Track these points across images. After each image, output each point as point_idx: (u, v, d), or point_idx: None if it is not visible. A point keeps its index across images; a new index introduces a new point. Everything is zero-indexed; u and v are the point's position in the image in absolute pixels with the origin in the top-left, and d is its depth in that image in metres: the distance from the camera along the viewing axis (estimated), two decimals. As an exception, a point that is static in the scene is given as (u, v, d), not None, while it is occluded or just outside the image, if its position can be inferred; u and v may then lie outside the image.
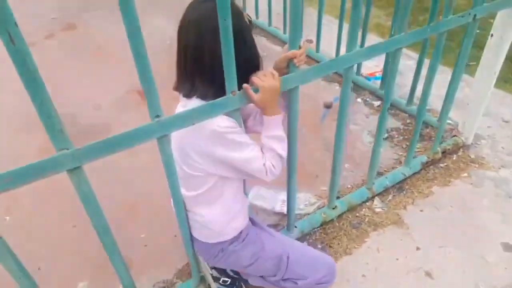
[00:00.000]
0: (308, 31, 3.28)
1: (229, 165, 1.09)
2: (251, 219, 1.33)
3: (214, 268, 1.39)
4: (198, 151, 1.07)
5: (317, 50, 3.03)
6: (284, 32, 3.34)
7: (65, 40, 3.55)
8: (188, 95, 1.08)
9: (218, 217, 1.19)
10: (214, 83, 1.04)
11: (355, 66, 2.66)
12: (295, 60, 1.12)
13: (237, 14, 1.00)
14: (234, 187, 1.19)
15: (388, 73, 1.52)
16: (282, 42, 3.35)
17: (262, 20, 3.61)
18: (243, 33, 1.05)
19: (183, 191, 1.17)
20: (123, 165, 2.07)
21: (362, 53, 1.30)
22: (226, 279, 1.40)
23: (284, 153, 1.14)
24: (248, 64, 1.08)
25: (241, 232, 1.26)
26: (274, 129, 1.12)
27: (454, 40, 3.12)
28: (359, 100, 2.61)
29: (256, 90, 1.07)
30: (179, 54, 1.07)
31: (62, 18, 3.89)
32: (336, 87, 2.74)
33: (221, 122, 1.04)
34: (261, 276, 1.34)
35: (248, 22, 1.09)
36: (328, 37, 2.96)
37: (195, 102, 1.06)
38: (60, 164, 0.87)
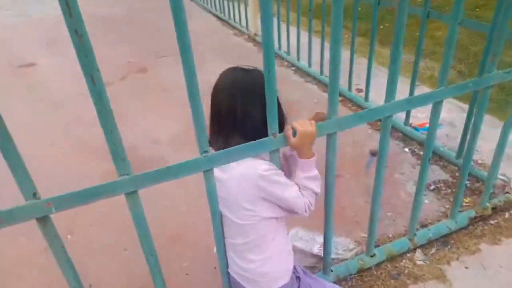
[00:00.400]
0: (359, 80, 3.40)
1: (278, 204, 1.20)
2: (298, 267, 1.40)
3: None
4: (251, 200, 1.17)
5: (366, 99, 3.10)
6: (335, 81, 3.47)
7: (136, 82, 3.97)
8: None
9: (272, 259, 1.25)
10: (246, 138, 1.15)
11: (404, 116, 2.75)
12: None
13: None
14: (282, 229, 1.29)
15: (430, 125, 1.55)
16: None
17: (314, 69, 3.79)
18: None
19: (235, 240, 1.26)
20: (171, 195, 2.24)
21: (399, 105, 1.36)
22: None
23: (319, 190, 1.25)
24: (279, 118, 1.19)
25: (299, 284, 1.33)
26: (309, 170, 1.22)
27: (512, 95, 3.05)
28: (406, 150, 2.61)
29: (294, 134, 1.18)
30: (213, 114, 1.22)
31: (136, 62, 4.38)
32: (384, 136, 2.76)
33: (263, 166, 1.16)
34: None
35: None
36: (378, 87, 3.03)
37: (249, 162, 1.18)
38: (120, 187, 1.01)
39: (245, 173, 1.16)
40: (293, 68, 4.07)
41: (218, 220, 1.22)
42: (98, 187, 0.99)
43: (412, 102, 1.41)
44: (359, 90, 3.46)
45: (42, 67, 4.53)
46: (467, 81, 1.49)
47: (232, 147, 1.13)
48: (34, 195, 0.94)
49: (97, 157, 2.58)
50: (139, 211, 1.09)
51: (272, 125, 1.16)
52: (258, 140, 1.15)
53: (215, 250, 1.31)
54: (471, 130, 1.72)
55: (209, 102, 1.22)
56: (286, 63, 4.20)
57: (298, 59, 4.02)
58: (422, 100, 1.43)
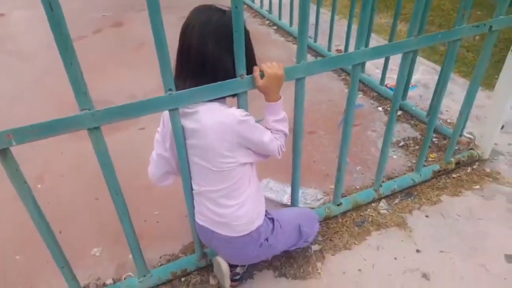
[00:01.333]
0: (339, 41, 3.38)
1: (255, 148, 1.22)
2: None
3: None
4: (230, 148, 1.16)
5: (344, 59, 3.10)
6: (315, 41, 3.44)
7: (111, 36, 3.84)
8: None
9: (247, 203, 1.27)
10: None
11: (379, 76, 2.77)
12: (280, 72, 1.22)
13: (243, 19, 1.10)
14: (255, 173, 1.32)
15: (398, 75, 1.57)
16: (312, 50, 3.44)
17: (295, 28, 3.74)
18: (247, 35, 1.15)
19: (210, 187, 1.25)
20: (143, 150, 2.23)
21: (368, 52, 1.37)
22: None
23: (287, 131, 1.29)
24: (248, 62, 1.17)
25: (273, 225, 1.38)
26: (278, 113, 1.24)
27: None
28: (380, 108, 2.65)
29: (261, 77, 1.18)
30: (182, 55, 1.16)
31: (111, 16, 4.22)
32: (360, 96, 2.79)
33: (239, 112, 1.16)
34: None
35: None
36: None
37: (225, 110, 1.17)
38: (81, 122, 1.01)
39: (225, 120, 1.14)
40: (274, 27, 4.00)
41: (185, 160, 1.23)
42: (59, 120, 0.98)
43: (381, 50, 1.41)
44: (339, 51, 3.44)
45: (11, 18, 4.32)
46: (437, 32, 1.50)
47: (198, 87, 1.12)
48: (-8, 126, 0.92)
49: (68, 109, 2.52)
50: (103, 149, 1.09)
51: (240, 65, 1.15)
52: (226, 81, 1.15)
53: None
54: (436, 86, 1.75)
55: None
56: (267, 21, 4.12)
57: (280, 18, 3.95)
58: (391, 49, 1.45)
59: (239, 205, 1.26)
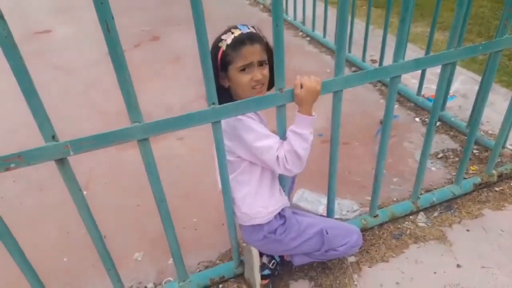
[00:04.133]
0: (374, 51, 3.37)
1: (248, 150, 1.25)
2: (289, 209, 1.45)
3: (265, 255, 1.55)
4: (228, 138, 1.26)
5: (379, 70, 3.08)
6: (349, 51, 3.45)
7: (150, 50, 4.01)
8: None
9: (246, 198, 1.35)
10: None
11: (416, 87, 2.74)
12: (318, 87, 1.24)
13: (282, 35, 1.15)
14: (258, 173, 1.34)
15: (437, 87, 1.56)
16: (346, 61, 3.44)
17: (329, 39, 3.76)
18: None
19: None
20: (182, 159, 2.32)
21: (406, 65, 1.37)
22: (274, 261, 1.56)
23: (302, 152, 1.21)
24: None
25: (284, 221, 1.41)
26: (302, 127, 1.23)
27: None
28: (417, 119, 2.61)
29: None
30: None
31: (149, 31, 4.41)
32: (396, 106, 2.75)
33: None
34: (306, 254, 1.49)
35: None
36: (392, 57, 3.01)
37: None
38: (132, 133, 1.07)
39: (228, 122, 1.24)
40: (308, 38, 4.04)
41: (225, 172, 1.28)
42: (112, 132, 1.05)
43: (420, 63, 1.41)
44: (374, 61, 3.43)
45: (57, 34, 4.60)
46: (477, 44, 1.48)
47: (239, 101, 1.17)
48: (53, 137, 1.01)
49: (111, 119, 2.66)
50: (150, 158, 1.16)
51: (279, 80, 1.19)
52: (265, 95, 1.20)
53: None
54: (479, 96, 1.71)
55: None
56: (301, 33, 4.17)
57: (313, 29, 3.99)
58: (430, 61, 1.44)
59: (238, 198, 1.37)
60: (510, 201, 1.89)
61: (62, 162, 1.06)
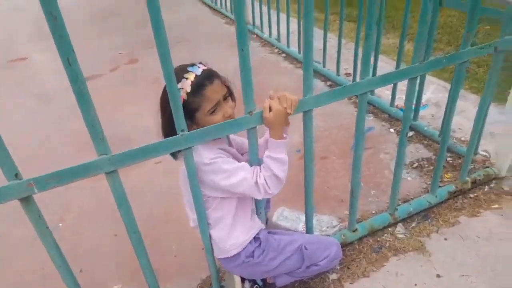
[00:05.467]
0: (348, 65, 3.43)
1: (222, 190, 1.24)
2: (264, 231, 1.45)
3: (247, 280, 1.54)
4: (200, 179, 1.24)
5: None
6: (324, 66, 3.50)
7: (127, 72, 3.99)
8: None
9: (220, 235, 1.34)
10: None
11: (390, 98, 2.79)
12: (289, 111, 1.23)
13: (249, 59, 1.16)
14: (233, 208, 1.33)
15: (406, 100, 1.59)
16: (321, 75, 3.50)
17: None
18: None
19: (191, 214, 1.36)
20: (160, 184, 2.29)
21: (373, 81, 1.40)
22: (257, 286, 1.56)
23: (282, 174, 1.23)
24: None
25: (259, 244, 1.39)
26: (276, 151, 1.24)
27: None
28: (392, 130, 2.65)
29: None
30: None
31: (127, 54, 4.39)
32: (370, 118, 2.81)
33: (208, 155, 1.21)
34: (287, 273, 1.47)
35: None
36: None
37: (199, 152, 1.23)
38: (99, 167, 1.05)
39: (195, 162, 1.20)
40: (283, 55, 4.09)
41: (200, 199, 1.27)
42: (77, 166, 1.03)
43: (387, 78, 1.44)
44: (348, 74, 3.49)
45: (33, 61, 4.54)
46: (441, 56, 1.53)
47: (210, 126, 1.17)
48: (16, 176, 0.98)
49: (88, 149, 2.61)
50: (120, 191, 1.14)
51: (248, 103, 1.20)
52: (236, 119, 1.20)
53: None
54: (446, 107, 1.76)
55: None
56: (276, 50, 4.22)
57: (288, 45, 4.04)
58: (396, 77, 1.47)
59: (211, 235, 1.35)
60: (484, 207, 1.93)
61: (27, 200, 1.03)
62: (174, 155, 1.24)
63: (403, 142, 1.65)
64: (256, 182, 1.22)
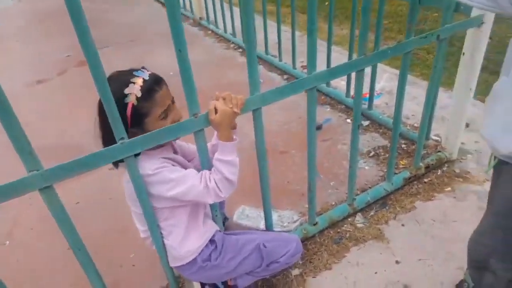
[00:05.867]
0: (304, 57, 3.44)
1: (171, 199, 1.19)
2: (219, 232, 1.41)
3: (207, 285, 1.50)
4: (147, 191, 1.18)
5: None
6: (280, 60, 3.49)
7: (76, 76, 3.80)
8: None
9: (173, 244, 1.29)
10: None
11: (345, 88, 2.82)
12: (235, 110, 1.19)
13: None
14: (185, 215, 1.28)
15: (355, 92, 1.60)
16: (278, 69, 3.49)
17: (260, 49, 3.79)
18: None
19: (140, 226, 1.32)
20: (117, 189, 2.20)
21: (320, 76, 1.39)
22: None
23: (233, 177, 1.20)
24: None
25: (215, 246, 1.35)
26: (227, 154, 1.20)
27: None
28: (348, 121, 2.68)
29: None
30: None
31: (75, 56, 4.19)
32: (327, 109, 2.83)
33: (152, 166, 1.15)
34: (248, 273, 1.44)
35: None
36: (322, 62, 3.08)
37: (141, 163, 1.16)
38: (31, 184, 0.98)
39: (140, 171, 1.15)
40: (240, 50, 4.04)
41: (149, 210, 1.21)
42: (5, 185, 0.95)
43: (333, 72, 1.43)
44: (304, 67, 3.50)
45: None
46: (386, 48, 1.54)
47: (153, 131, 1.11)
48: None
49: (43, 156, 2.47)
50: (58, 208, 1.06)
51: (192, 105, 1.15)
52: (182, 122, 1.16)
53: None
54: (396, 94, 1.78)
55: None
56: (232, 45, 4.17)
57: (244, 40, 4.00)
58: (343, 70, 1.47)
59: (166, 243, 1.31)
60: (438, 190, 1.99)
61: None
62: (115, 163, 1.17)
63: (355, 135, 1.66)
64: (206, 186, 1.17)
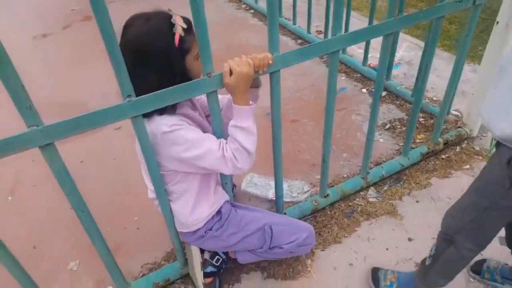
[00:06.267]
0: (320, 22, 3.27)
1: (185, 163, 1.10)
2: (230, 202, 1.35)
3: (206, 251, 1.45)
4: (157, 153, 1.10)
5: (325, 40, 2.98)
6: (294, 23, 3.32)
7: (81, 31, 3.66)
8: (147, 115, 1.06)
9: (182, 210, 1.23)
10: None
11: (362, 57, 2.68)
12: (260, 71, 1.11)
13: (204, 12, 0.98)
14: (197, 181, 1.20)
15: (380, 59, 1.48)
16: (292, 33, 3.33)
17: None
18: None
19: (150, 185, 1.22)
20: (122, 149, 2.13)
21: (345, 39, 1.27)
22: (219, 257, 1.45)
23: (251, 147, 1.10)
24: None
25: (220, 217, 1.29)
26: (241, 119, 1.10)
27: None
28: (364, 90, 2.56)
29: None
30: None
31: (80, 10, 4.03)
32: (343, 78, 2.70)
33: (168, 122, 1.06)
34: (250, 251, 1.38)
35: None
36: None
37: (156, 120, 1.07)
38: (30, 140, 0.90)
39: (151, 132, 1.06)
40: (251, 11, 3.85)
41: (157, 174, 1.14)
42: (2, 141, 0.87)
43: (359, 35, 1.31)
44: (319, 32, 3.33)
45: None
46: (418, 11, 1.41)
47: (162, 90, 1.02)
48: None
49: (44, 112, 2.39)
50: (59, 166, 0.99)
51: (206, 64, 1.05)
52: (192, 81, 1.05)
53: None
54: (423, 64, 1.66)
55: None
56: (244, 5, 3.97)
57: (256, 1, 3.80)
58: (369, 33, 1.35)
59: (174, 209, 1.25)
60: (456, 167, 1.90)
61: None
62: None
63: (376, 105, 1.56)
64: (223, 156, 1.09)
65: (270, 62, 1.14)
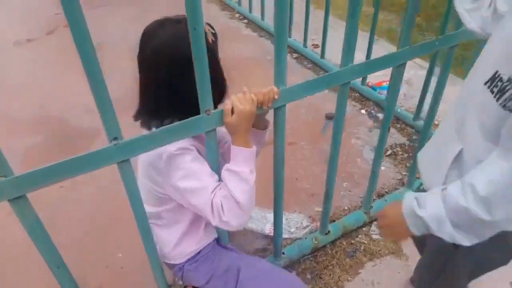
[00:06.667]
0: (316, 35, 3.17)
1: (178, 192, 0.96)
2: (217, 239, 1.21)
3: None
4: (158, 173, 0.98)
5: (322, 56, 2.89)
6: (289, 36, 3.22)
7: (65, 37, 3.47)
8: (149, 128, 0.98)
9: (169, 239, 1.11)
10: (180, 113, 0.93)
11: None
12: (264, 107, 1.00)
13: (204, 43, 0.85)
14: (190, 216, 1.08)
15: (390, 90, 1.38)
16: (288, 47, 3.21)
17: (268, 22, 3.49)
18: (213, 55, 0.94)
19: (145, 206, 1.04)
20: (106, 177, 1.97)
21: (357, 70, 1.16)
22: None
23: (241, 197, 0.91)
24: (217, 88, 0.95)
25: (198, 253, 1.15)
26: (239, 163, 0.95)
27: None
28: (363, 111, 2.47)
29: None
30: (142, 87, 0.99)
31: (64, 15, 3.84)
32: (340, 97, 2.59)
33: (178, 143, 0.93)
34: None
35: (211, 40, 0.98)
36: (335, 42, 2.82)
37: None
38: (-3, 193, 0.75)
39: (156, 151, 0.91)
40: (245, 21, 3.74)
41: (142, 217, 1.00)
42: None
43: (372, 65, 1.21)
44: (315, 46, 3.23)
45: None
46: (433, 39, 1.31)
47: (153, 131, 0.89)
48: None
49: (20, 130, 2.22)
50: (32, 220, 0.84)
51: (205, 100, 0.92)
52: (188, 119, 0.92)
53: None
54: (434, 93, 1.57)
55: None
56: (237, 15, 3.85)
57: (250, 10, 3.69)
58: (383, 63, 1.24)
59: (161, 236, 1.13)
60: (462, 201, 1.81)
61: None
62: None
63: (384, 137, 1.46)
64: (211, 200, 0.94)
65: (276, 97, 1.02)
